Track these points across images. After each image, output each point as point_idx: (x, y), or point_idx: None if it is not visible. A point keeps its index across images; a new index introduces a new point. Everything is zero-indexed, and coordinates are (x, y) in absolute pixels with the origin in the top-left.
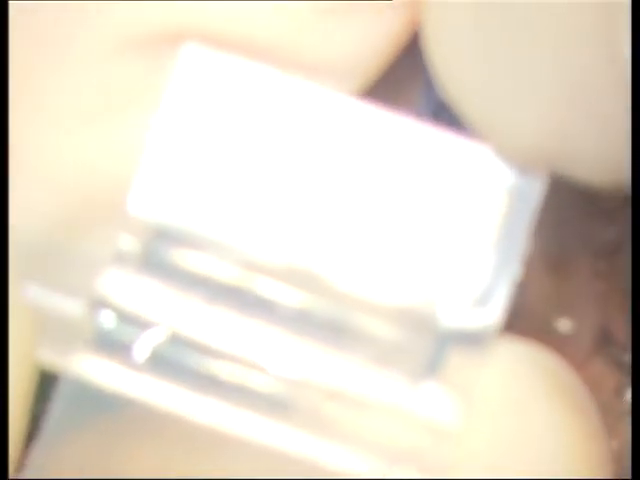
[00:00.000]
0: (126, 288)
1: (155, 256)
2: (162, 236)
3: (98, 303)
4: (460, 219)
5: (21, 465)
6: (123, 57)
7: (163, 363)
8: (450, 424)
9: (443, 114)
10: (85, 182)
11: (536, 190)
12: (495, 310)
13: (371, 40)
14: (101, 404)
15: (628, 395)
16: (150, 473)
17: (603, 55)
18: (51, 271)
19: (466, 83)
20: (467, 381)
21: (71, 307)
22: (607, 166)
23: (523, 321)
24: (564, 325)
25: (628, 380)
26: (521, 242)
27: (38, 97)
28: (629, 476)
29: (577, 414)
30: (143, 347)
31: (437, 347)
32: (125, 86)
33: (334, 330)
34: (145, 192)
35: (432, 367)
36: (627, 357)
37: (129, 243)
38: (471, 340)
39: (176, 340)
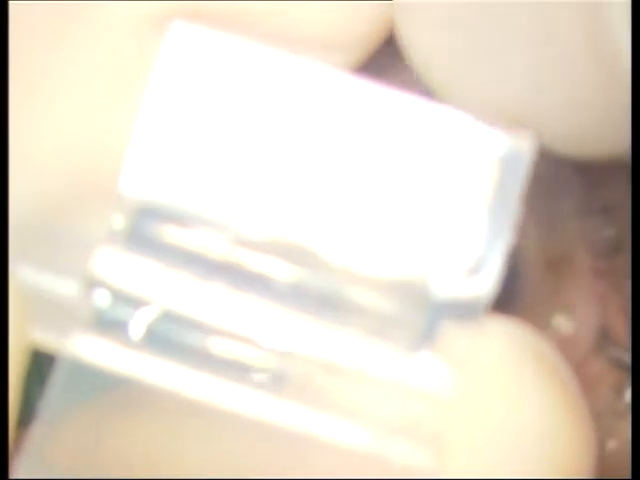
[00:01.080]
0: (120, 267)
1: (148, 234)
2: (154, 214)
3: (92, 283)
4: (450, 188)
5: (18, 448)
6: (119, 38)
7: (158, 340)
8: (444, 394)
9: None
10: (77, 163)
11: (525, 155)
12: (488, 279)
13: (364, 13)
14: (98, 383)
15: (627, 394)
16: (146, 449)
17: (581, 28)
18: (44, 252)
19: (438, 55)
20: (461, 351)
21: (65, 287)
22: (581, 134)
23: (522, 320)
24: (563, 324)
25: (627, 379)
26: (513, 209)
27: (32, 78)
28: (629, 475)
29: (563, 395)
30: (138, 325)
31: (431, 318)
32: (119, 68)
33: (327, 303)
34: (136, 170)
35: (426, 338)
36: (626, 356)
37: (122, 222)
38: (465, 310)
39: (170, 317)
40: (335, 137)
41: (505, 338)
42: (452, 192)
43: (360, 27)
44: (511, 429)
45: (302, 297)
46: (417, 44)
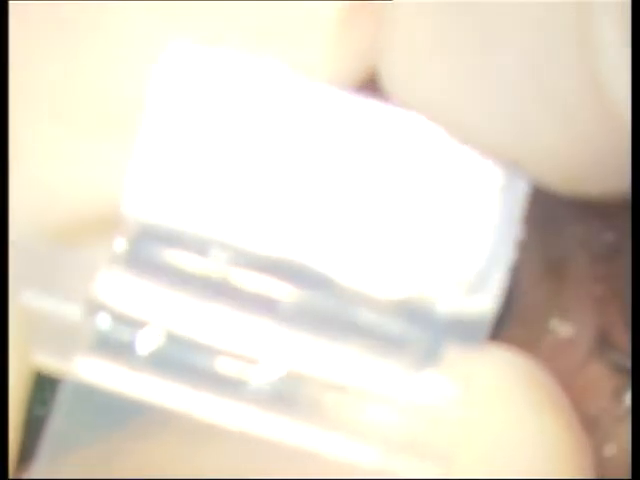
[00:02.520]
0: (122, 289)
1: (150, 256)
2: (156, 236)
3: (94, 305)
4: (452, 208)
5: (23, 468)
6: (127, 67)
7: (161, 362)
8: (449, 412)
9: None
10: (80, 191)
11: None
12: (490, 297)
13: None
14: (102, 406)
15: (626, 398)
16: (153, 470)
17: (573, 54)
18: (46, 275)
19: (423, 94)
20: (465, 369)
21: (68, 310)
22: (570, 167)
23: (521, 325)
24: (562, 328)
25: (626, 383)
26: (514, 228)
27: (41, 103)
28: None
29: (560, 424)
30: (141, 347)
31: (434, 336)
32: (128, 96)
33: (330, 323)
34: (137, 193)
35: (430, 356)
36: (625, 360)
37: (124, 245)
38: (468, 328)
39: (174, 338)
40: (337, 155)
41: (501, 364)
42: (454, 211)
43: (362, 46)
44: (509, 447)
45: (305, 317)
46: (400, 80)
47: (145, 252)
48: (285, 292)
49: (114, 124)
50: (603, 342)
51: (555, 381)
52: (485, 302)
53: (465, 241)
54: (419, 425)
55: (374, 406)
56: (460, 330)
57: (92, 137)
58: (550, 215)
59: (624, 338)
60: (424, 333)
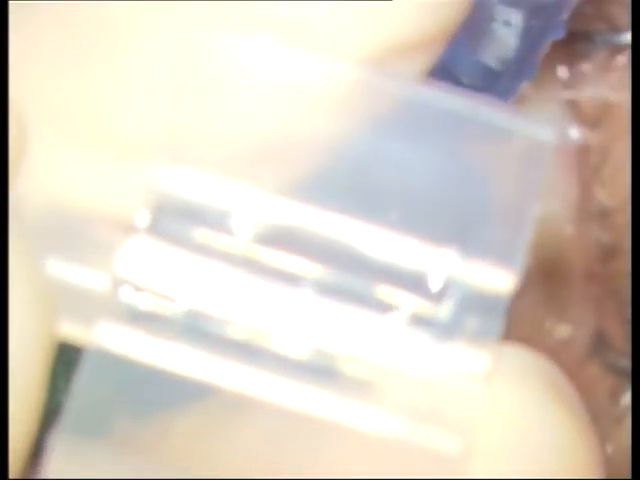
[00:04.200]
0: (147, 261)
1: (172, 230)
2: (178, 209)
3: (120, 277)
4: (474, 184)
5: (43, 443)
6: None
7: (187, 333)
8: (471, 384)
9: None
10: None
11: (548, 144)
12: (511, 272)
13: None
14: (127, 375)
15: (623, 399)
16: (186, 443)
17: None
18: (71, 245)
19: None
20: (487, 344)
21: (93, 280)
22: None
23: (518, 326)
24: (559, 330)
25: (623, 383)
26: (534, 200)
27: (55, 119)
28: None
29: (572, 421)
30: (167, 319)
31: (457, 311)
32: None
33: (353, 297)
34: (161, 166)
35: (453, 331)
36: (622, 361)
37: (147, 218)
38: (490, 303)
39: (198, 311)
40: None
41: (510, 357)
42: (476, 188)
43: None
44: (522, 435)
45: (329, 292)
46: None
47: (167, 225)
48: (309, 267)
49: (129, 143)
50: (599, 343)
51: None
52: (506, 277)
53: (486, 217)
54: (441, 395)
55: (398, 378)
56: (483, 304)
57: (107, 155)
58: (547, 215)
59: (620, 339)
60: (446, 307)
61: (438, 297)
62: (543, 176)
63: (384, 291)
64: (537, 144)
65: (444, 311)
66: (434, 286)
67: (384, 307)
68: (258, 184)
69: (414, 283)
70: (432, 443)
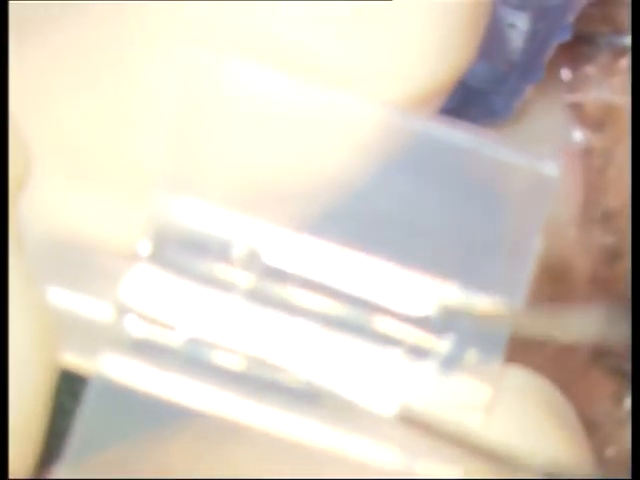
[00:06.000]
0: (150, 290)
1: (174, 259)
2: (183, 239)
3: (123, 306)
4: (478, 218)
5: (47, 468)
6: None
7: (187, 362)
8: (472, 418)
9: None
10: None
11: (552, 179)
12: (513, 305)
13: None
14: (129, 406)
15: (626, 402)
16: (179, 472)
17: None
18: (74, 274)
19: None
20: (488, 376)
21: (96, 309)
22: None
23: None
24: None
25: (626, 388)
26: (537, 237)
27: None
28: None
29: (567, 439)
30: (169, 348)
31: (458, 344)
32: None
33: (356, 330)
34: (166, 196)
35: (454, 364)
36: (625, 365)
37: (149, 247)
38: (491, 336)
39: (199, 339)
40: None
41: (520, 384)
42: (480, 220)
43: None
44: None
45: (330, 324)
46: None
47: (169, 254)
48: (311, 299)
49: (133, 173)
50: (603, 347)
51: (557, 386)
52: (507, 307)
53: (487, 249)
54: (442, 429)
55: (399, 410)
56: (481, 337)
57: (110, 185)
58: (550, 218)
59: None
60: (448, 340)
61: (440, 330)
62: (547, 211)
63: (386, 323)
64: (541, 179)
65: (445, 344)
66: (436, 319)
67: (386, 340)
68: (265, 218)
69: (416, 316)
70: (429, 474)
